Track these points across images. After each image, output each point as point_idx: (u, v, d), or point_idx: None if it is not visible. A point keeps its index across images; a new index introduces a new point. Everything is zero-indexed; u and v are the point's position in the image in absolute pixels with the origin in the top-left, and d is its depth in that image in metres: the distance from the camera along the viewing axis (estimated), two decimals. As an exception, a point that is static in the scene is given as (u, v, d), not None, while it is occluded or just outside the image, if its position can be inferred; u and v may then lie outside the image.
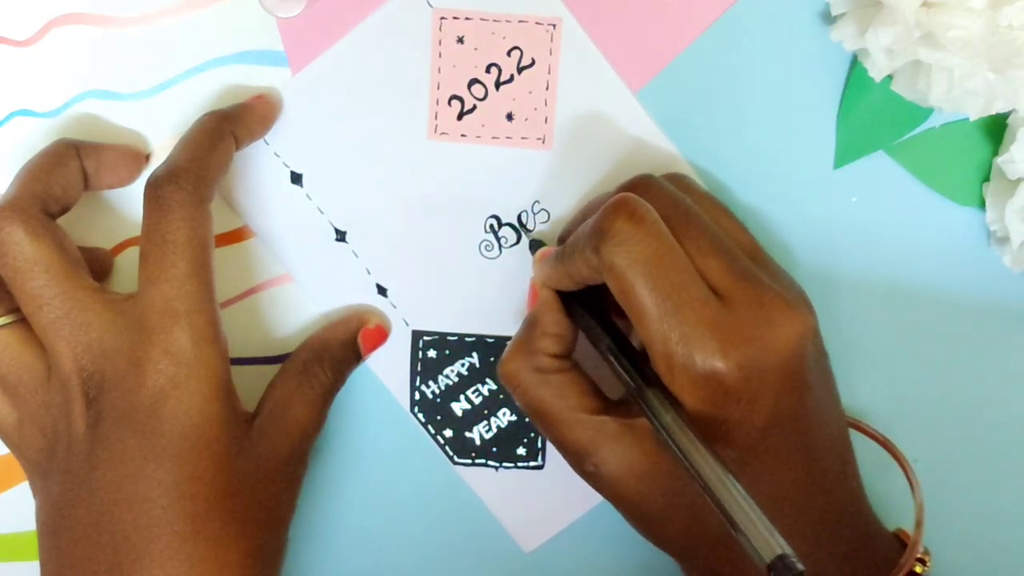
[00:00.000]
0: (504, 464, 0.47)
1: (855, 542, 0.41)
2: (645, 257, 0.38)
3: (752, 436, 0.38)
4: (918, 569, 0.41)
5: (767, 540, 0.34)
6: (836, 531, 0.41)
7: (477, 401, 0.47)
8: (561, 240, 0.45)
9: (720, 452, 0.37)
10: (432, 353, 0.47)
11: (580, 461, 0.41)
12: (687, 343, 0.37)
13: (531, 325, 0.42)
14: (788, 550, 0.33)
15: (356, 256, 0.47)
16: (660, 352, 0.38)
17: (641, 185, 0.41)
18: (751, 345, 0.38)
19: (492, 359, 0.47)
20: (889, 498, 0.44)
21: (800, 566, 0.33)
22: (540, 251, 0.44)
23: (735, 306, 0.38)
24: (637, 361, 0.40)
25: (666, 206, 0.40)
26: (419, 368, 0.47)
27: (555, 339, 0.42)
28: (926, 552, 0.42)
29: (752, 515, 0.35)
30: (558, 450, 0.42)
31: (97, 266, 0.45)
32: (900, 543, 0.42)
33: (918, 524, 0.42)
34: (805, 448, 0.40)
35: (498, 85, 0.45)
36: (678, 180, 0.43)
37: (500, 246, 0.46)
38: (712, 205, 0.43)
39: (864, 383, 0.43)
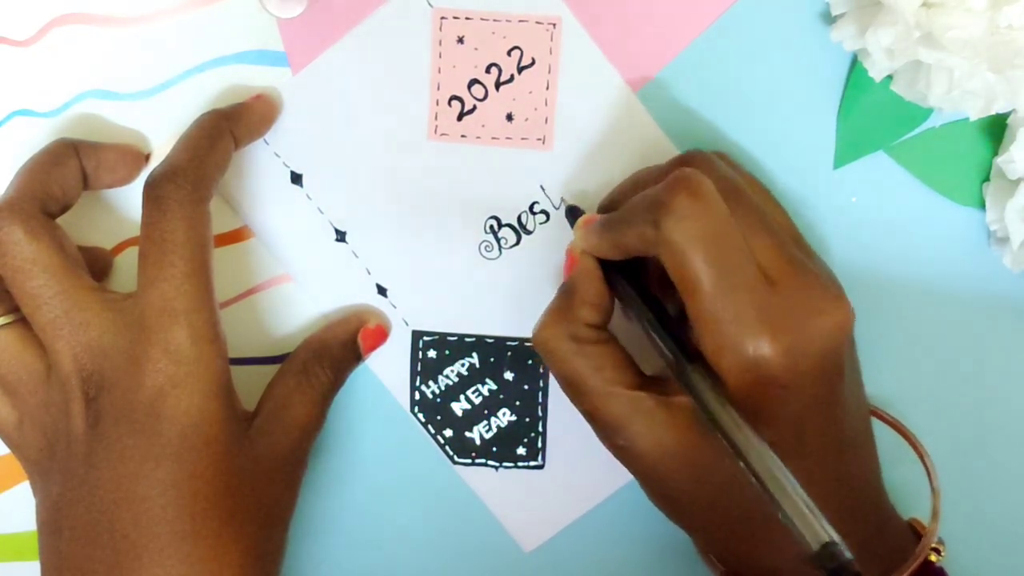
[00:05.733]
0: (504, 464, 0.47)
1: (872, 529, 0.41)
2: (705, 234, 0.37)
3: (790, 422, 0.38)
4: (933, 558, 0.41)
5: (815, 527, 0.34)
6: (857, 517, 0.41)
7: (477, 401, 0.47)
8: (602, 209, 0.45)
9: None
10: (432, 353, 0.47)
11: (611, 435, 0.40)
12: (739, 325, 0.37)
13: (569, 293, 0.42)
14: (837, 538, 0.33)
15: (356, 256, 0.47)
16: (710, 331, 0.38)
17: (694, 160, 0.41)
18: (798, 332, 0.38)
19: (492, 359, 0.47)
20: (898, 489, 0.44)
21: (849, 554, 0.33)
22: (583, 218, 0.43)
23: (783, 290, 0.38)
24: (680, 336, 0.39)
25: (719, 183, 0.39)
26: (419, 368, 0.47)
27: (594, 308, 0.41)
28: (940, 542, 0.42)
29: (799, 501, 0.34)
30: (588, 422, 0.41)
31: (97, 266, 0.45)
32: (914, 532, 0.43)
33: (935, 512, 0.42)
34: (837, 436, 0.40)
35: (498, 85, 0.45)
36: (723, 159, 0.43)
37: (500, 247, 0.46)
38: (755, 186, 0.43)
39: (863, 383, 0.43)
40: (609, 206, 0.44)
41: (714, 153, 0.43)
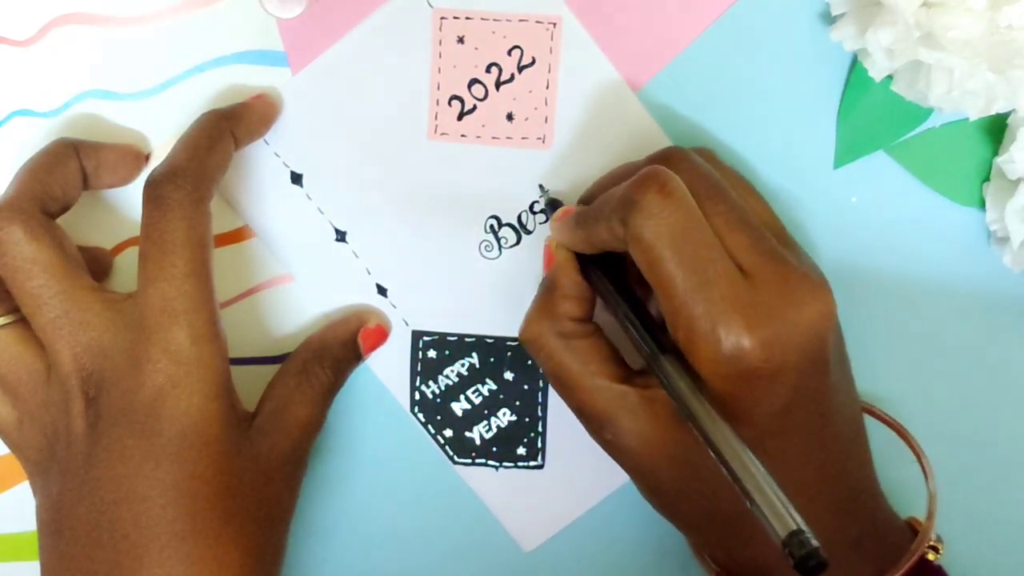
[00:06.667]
0: (504, 464, 0.47)
1: (867, 526, 0.41)
2: (673, 231, 0.38)
3: (771, 416, 0.38)
4: (931, 556, 0.41)
5: (783, 515, 0.34)
6: (849, 514, 0.41)
7: (477, 401, 0.47)
8: (582, 202, 0.45)
9: (739, 431, 0.37)
10: (432, 353, 0.47)
11: (599, 429, 0.41)
12: (712, 319, 0.37)
13: (550, 289, 0.42)
14: (804, 526, 0.33)
15: (356, 256, 0.47)
16: (683, 327, 0.38)
17: (671, 157, 0.41)
18: (775, 324, 0.38)
19: (492, 359, 0.47)
20: (899, 488, 0.44)
21: (815, 542, 0.33)
22: (560, 210, 0.43)
23: (760, 284, 0.38)
24: (654, 328, 0.40)
25: (695, 179, 0.39)
26: (419, 368, 0.47)
27: (576, 302, 0.42)
28: (939, 540, 0.42)
29: (768, 489, 0.34)
30: (577, 416, 0.42)
31: (97, 266, 0.45)
32: (912, 530, 0.43)
33: (930, 512, 0.42)
34: (822, 430, 0.40)
35: (498, 85, 0.45)
36: (705, 154, 0.43)
37: (500, 246, 0.46)
38: (738, 182, 0.43)
39: (863, 382, 0.43)
40: (588, 200, 0.44)
41: (695, 149, 0.43)
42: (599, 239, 0.40)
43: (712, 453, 0.36)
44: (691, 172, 0.40)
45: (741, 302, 0.37)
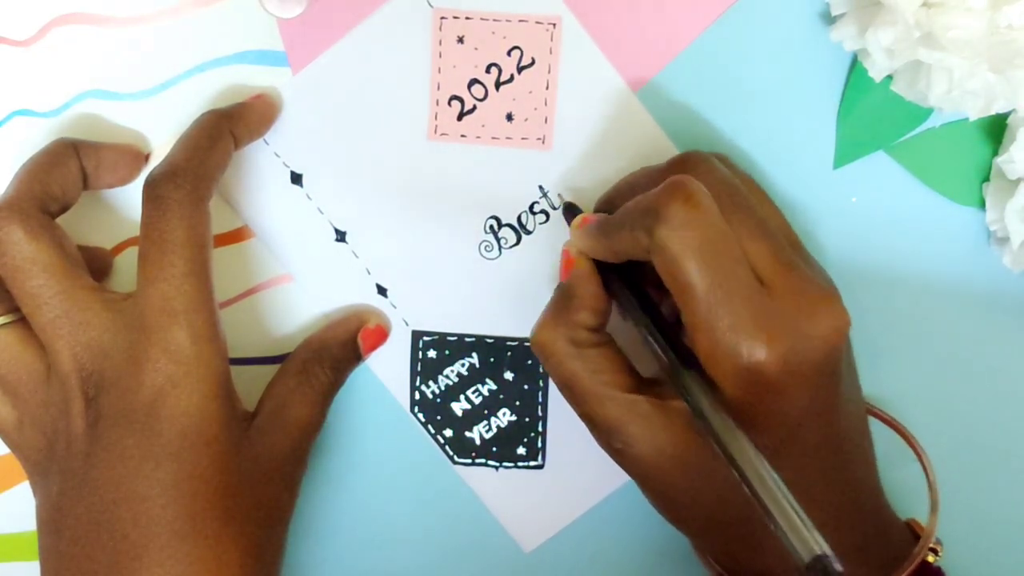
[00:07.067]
0: (504, 464, 0.47)
1: (870, 530, 0.41)
2: (699, 243, 0.37)
3: (785, 426, 0.38)
4: (930, 558, 0.41)
5: (806, 538, 0.34)
6: (853, 520, 0.41)
7: (477, 401, 0.47)
8: (599, 208, 0.45)
9: (755, 439, 0.37)
10: (432, 353, 0.47)
11: (608, 437, 0.40)
12: (733, 332, 0.37)
13: (567, 296, 0.42)
14: (828, 550, 0.33)
15: (356, 256, 0.47)
16: (705, 338, 0.38)
17: (692, 162, 0.41)
18: (793, 337, 0.37)
19: (492, 359, 0.47)
20: (899, 488, 0.44)
21: (839, 567, 0.33)
22: (579, 218, 0.43)
23: (778, 295, 0.38)
24: (676, 342, 0.39)
25: (717, 186, 0.39)
26: (419, 368, 0.47)
27: (592, 312, 0.41)
28: (938, 542, 0.42)
29: (791, 511, 0.34)
30: (586, 425, 0.41)
31: (97, 266, 0.45)
32: (912, 533, 0.43)
33: (933, 510, 0.42)
34: (833, 439, 0.40)
35: (498, 85, 0.45)
36: (722, 160, 0.43)
37: (500, 247, 0.46)
38: (753, 188, 0.43)
39: (863, 383, 0.43)
40: (605, 206, 0.44)
41: (712, 155, 0.43)
42: (622, 249, 0.40)
43: (735, 472, 0.36)
44: (713, 179, 0.40)
45: (762, 314, 0.37)
